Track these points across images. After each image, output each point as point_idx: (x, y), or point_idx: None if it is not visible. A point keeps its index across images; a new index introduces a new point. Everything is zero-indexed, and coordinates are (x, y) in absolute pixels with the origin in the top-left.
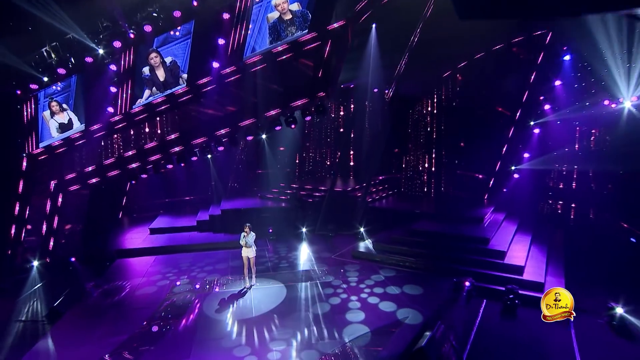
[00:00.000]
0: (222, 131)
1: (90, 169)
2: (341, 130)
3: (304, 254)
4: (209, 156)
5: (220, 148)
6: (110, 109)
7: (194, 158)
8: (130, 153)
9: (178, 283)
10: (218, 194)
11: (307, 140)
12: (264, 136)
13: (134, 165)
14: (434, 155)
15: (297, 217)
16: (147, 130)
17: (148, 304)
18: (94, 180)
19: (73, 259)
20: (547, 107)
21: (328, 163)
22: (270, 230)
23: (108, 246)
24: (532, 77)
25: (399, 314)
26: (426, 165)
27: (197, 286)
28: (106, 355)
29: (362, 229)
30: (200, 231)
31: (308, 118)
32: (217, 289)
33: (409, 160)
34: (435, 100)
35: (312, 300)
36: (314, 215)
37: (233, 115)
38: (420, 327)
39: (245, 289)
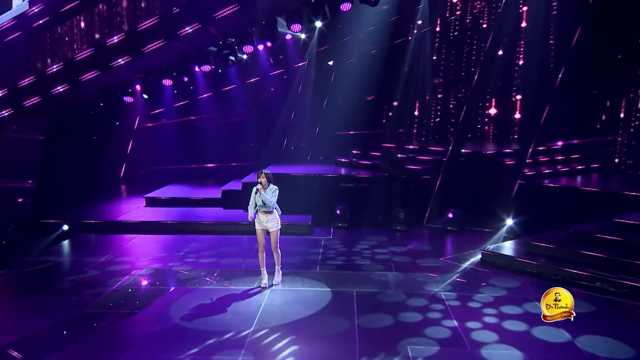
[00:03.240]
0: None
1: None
2: (500, 52)
3: (393, 252)
4: (231, 60)
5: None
6: None
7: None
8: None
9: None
10: (269, 157)
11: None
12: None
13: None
14: None
15: (391, 195)
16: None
17: (90, 289)
18: (33, 101)
19: (10, 229)
20: None
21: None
22: (339, 212)
23: (70, 216)
24: None
25: None
26: None
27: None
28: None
29: (510, 221)
30: (226, 207)
31: None
32: (209, 284)
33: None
34: None
35: (380, 321)
36: (422, 194)
37: None
38: None
39: (258, 289)
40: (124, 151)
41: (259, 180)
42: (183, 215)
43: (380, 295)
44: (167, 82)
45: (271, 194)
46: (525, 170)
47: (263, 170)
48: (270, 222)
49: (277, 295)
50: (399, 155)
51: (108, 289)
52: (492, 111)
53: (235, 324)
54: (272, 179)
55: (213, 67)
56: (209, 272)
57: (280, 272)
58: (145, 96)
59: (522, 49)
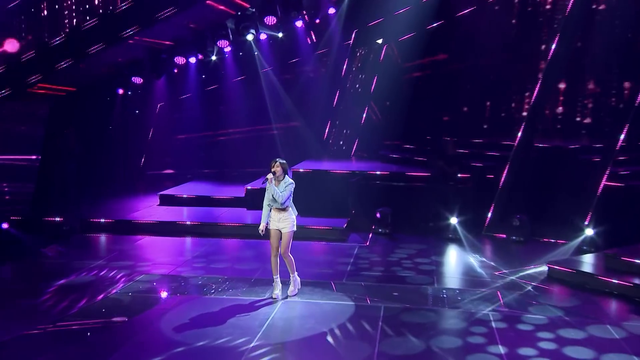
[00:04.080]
0: None
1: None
2: None
3: (438, 263)
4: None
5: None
6: None
7: None
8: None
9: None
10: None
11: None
12: None
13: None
14: None
15: (444, 197)
16: None
17: (77, 294)
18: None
19: (5, 225)
20: None
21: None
22: (379, 216)
23: (71, 214)
24: None
25: None
26: None
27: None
28: None
29: (590, 231)
30: (250, 207)
31: None
32: (214, 293)
33: None
34: None
35: (407, 347)
36: (482, 196)
37: None
38: None
39: (270, 300)
40: (142, 143)
41: (272, 170)
42: (199, 216)
43: (412, 313)
44: (180, 60)
45: (284, 187)
46: (612, 170)
47: (278, 160)
48: (282, 222)
49: (289, 308)
50: (453, 150)
51: (97, 296)
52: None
53: (233, 339)
54: (287, 170)
55: (229, 43)
56: (217, 279)
57: (297, 280)
58: (157, 77)
59: None
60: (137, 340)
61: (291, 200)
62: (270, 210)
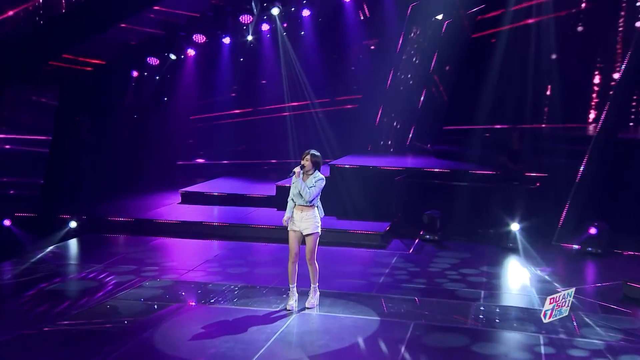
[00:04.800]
0: None
1: None
2: None
3: (491, 276)
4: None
5: None
6: None
7: None
8: None
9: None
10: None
11: None
12: None
13: None
14: None
15: (507, 198)
16: None
17: (71, 299)
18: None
19: (8, 222)
20: None
21: None
22: (426, 220)
23: (81, 211)
24: None
25: None
26: None
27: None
28: None
29: None
30: (281, 208)
31: None
32: (221, 302)
33: None
34: None
35: None
36: (552, 199)
37: None
38: None
39: (284, 312)
40: (170, 134)
41: (302, 162)
42: (222, 216)
43: (444, 334)
44: (201, 37)
45: (313, 182)
46: None
47: (310, 151)
48: (305, 222)
49: (303, 321)
50: (519, 143)
51: (92, 301)
52: None
53: (231, 354)
54: (320, 164)
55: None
56: (229, 286)
57: (317, 292)
58: (173, 57)
59: None
60: (122, 352)
61: (319, 199)
62: (294, 207)
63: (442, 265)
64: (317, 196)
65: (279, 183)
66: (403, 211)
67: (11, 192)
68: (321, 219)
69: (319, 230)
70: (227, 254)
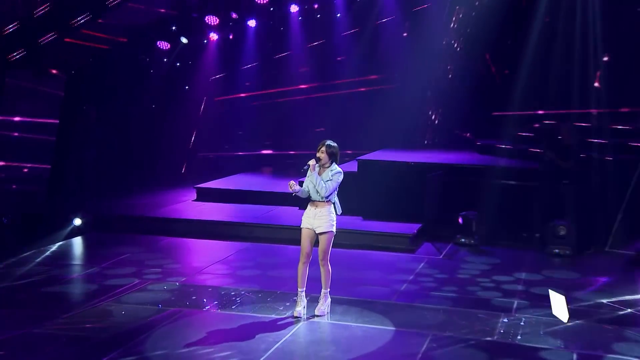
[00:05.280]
0: None
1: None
2: None
3: (530, 284)
4: None
5: None
6: None
7: None
8: None
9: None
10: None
11: None
12: None
13: None
14: None
15: (555, 199)
16: None
17: (64, 302)
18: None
19: (6, 220)
20: None
21: None
22: (462, 221)
23: (87, 208)
24: None
25: None
26: None
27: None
28: None
29: None
30: (304, 206)
31: None
32: (224, 308)
33: None
34: None
35: None
36: (606, 201)
37: None
38: None
39: (290, 320)
40: (191, 125)
41: (318, 154)
42: (237, 214)
43: (464, 349)
44: (213, 19)
45: (329, 176)
46: None
47: (327, 142)
48: (319, 219)
49: (309, 330)
50: (570, 137)
51: (86, 305)
52: None
53: None
54: (338, 156)
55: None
56: (235, 290)
57: (329, 298)
58: (185, 40)
59: None
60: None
61: (336, 195)
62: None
63: (472, 271)
64: (334, 191)
65: (302, 179)
66: (436, 212)
67: (14, 187)
68: (338, 217)
69: (334, 229)
70: (239, 256)
